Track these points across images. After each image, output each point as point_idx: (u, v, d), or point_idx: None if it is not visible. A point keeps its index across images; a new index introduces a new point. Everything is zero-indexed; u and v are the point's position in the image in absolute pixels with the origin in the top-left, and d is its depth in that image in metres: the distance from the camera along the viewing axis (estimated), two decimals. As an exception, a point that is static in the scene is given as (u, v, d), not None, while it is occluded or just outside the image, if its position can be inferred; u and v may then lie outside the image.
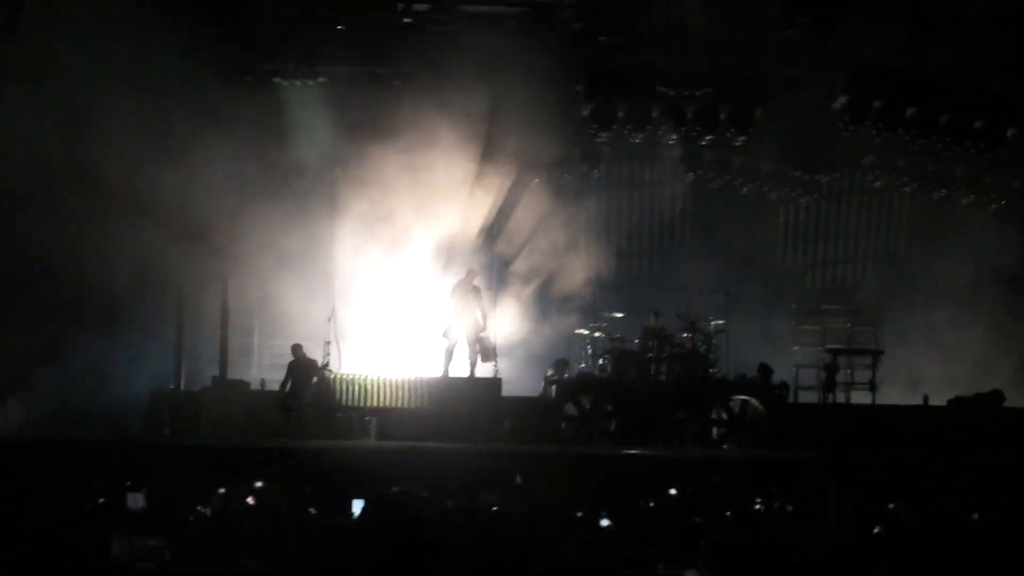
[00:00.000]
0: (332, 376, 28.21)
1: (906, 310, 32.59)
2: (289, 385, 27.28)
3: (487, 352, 29.32)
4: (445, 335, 29.26)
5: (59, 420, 26.64)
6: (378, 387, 28.30)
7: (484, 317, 29.49)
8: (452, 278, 30.26)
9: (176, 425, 27.49)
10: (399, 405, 28.21)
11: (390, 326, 31.31)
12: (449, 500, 17.14)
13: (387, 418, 27.87)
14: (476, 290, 29.70)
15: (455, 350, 29.24)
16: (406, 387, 28.41)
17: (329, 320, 29.66)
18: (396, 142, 30.83)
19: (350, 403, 28.13)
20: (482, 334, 29.33)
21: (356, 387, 28.35)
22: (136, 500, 17.85)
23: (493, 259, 32.40)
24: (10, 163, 26.06)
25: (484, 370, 29.40)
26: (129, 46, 28.25)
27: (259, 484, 18.43)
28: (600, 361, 29.75)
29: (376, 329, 31.37)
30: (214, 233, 29.45)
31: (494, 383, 29.04)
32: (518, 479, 20.72)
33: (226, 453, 22.84)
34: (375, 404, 28.15)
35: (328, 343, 29.48)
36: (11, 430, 26.18)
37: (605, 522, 16.03)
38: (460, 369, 29.26)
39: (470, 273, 29.89)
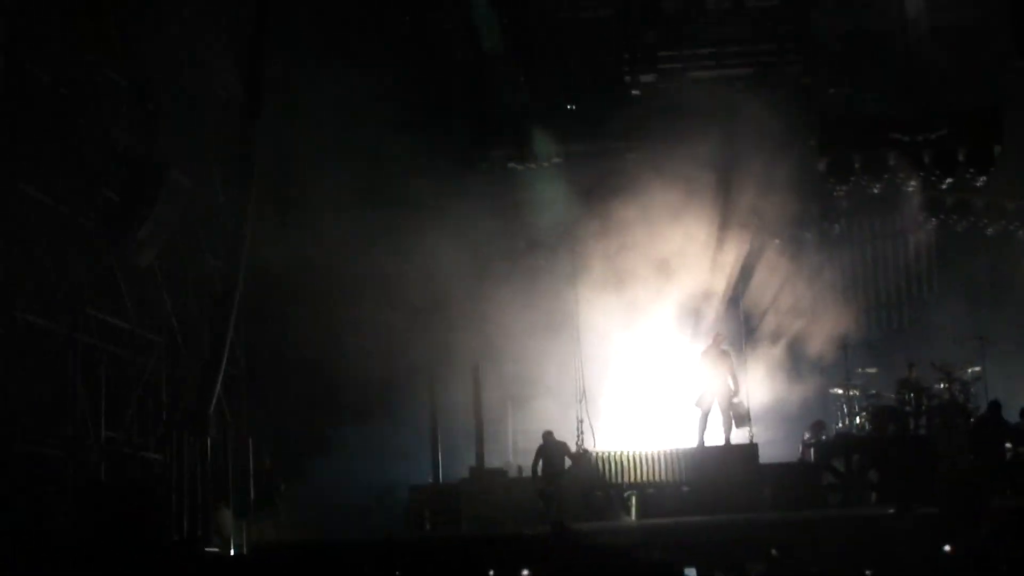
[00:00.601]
0: (592, 454, 28.08)
1: None
2: (543, 469, 27.14)
3: (741, 418, 28.84)
4: (697, 403, 28.86)
5: (322, 520, 26.96)
6: (635, 462, 28.05)
7: (735, 382, 28.96)
8: (700, 344, 29.95)
9: (437, 519, 27.48)
10: (657, 479, 27.91)
11: (642, 398, 31.15)
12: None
13: (647, 494, 27.66)
14: (725, 354, 29.22)
15: (708, 418, 28.84)
16: (662, 460, 28.10)
17: (580, 401, 29.63)
18: (633, 214, 30.83)
19: (609, 480, 27.94)
20: (735, 400, 28.83)
21: (612, 463, 28.15)
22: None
23: (740, 323, 32.02)
24: (265, 262, 26.56)
25: (739, 436, 28.91)
26: (367, 134, 28.77)
27: (526, 572, 18.47)
28: (857, 419, 29.31)
29: (628, 402, 31.24)
30: (461, 320, 29.70)
31: (751, 449, 28.49)
32: (773, 551, 20.39)
33: (491, 544, 22.72)
34: (633, 480, 27.93)
35: (581, 422, 29.45)
36: (274, 533, 26.54)
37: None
38: (715, 437, 28.87)
39: (717, 337, 29.45)
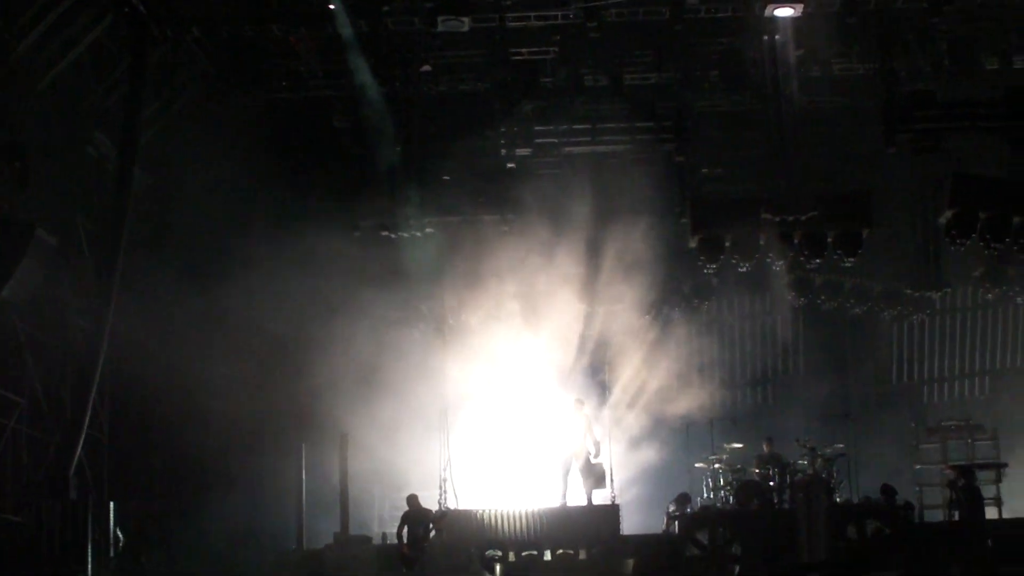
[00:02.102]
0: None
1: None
2: (407, 535, 26.94)
3: (599, 478, 29.08)
4: (557, 464, 29.14)
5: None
6: (498, 520, 28.12)
7: (596, 445, 29.26)
8: (563, 409, 30.01)
9: (298, 585, 27.28)
10: (520, 537, 27.96)
11: (505, 461, 31.33)
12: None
13: (509, 563, 27.61)
14: (586, 417, 29.56)
15: (569, 478, 29.07)
16: (525, 518, 28.17)
17: (445, 470, 29.55)
18: (506, 285, 30.93)
19: (470, 538, 27.89)
20: (595, 461, 29.12)
21: (475, 521, 28.18)
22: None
23: (602, 391, 32.09)
24: (127, 336, 26.27)
25: (601, 497, 29.08)
26: (240, 199, 28.69)
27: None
28: (722, 493, 29.39)
29: (492, 465, 31.38)
30: (329, 388, 29.52)
31: (612, 510, 28.73)
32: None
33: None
34: (497, 536, 27.95)
35: (444, 480, 29.44)
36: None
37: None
38: (577, 498, 29.13)
39: (578, 403, 29.76)
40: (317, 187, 29.95)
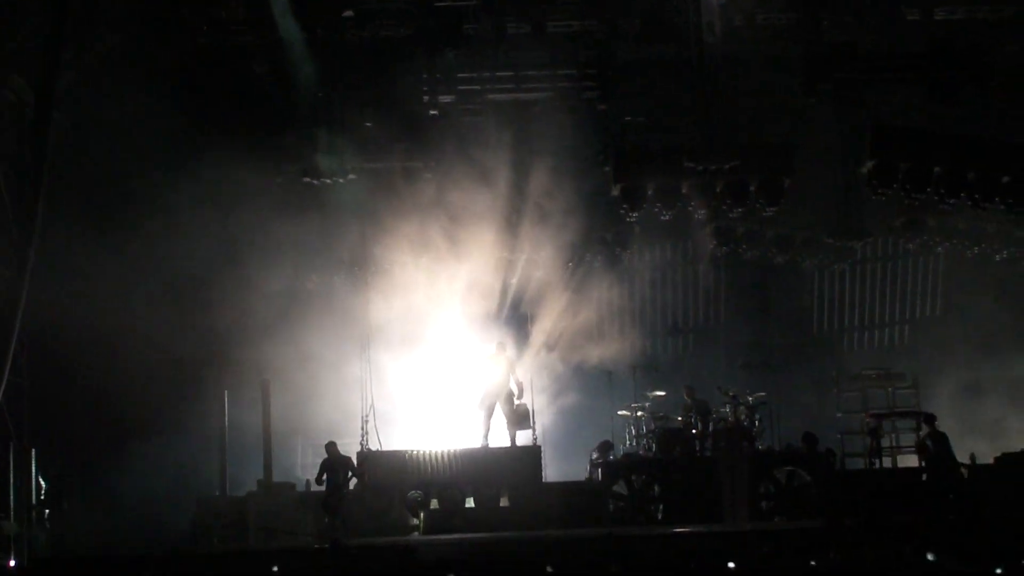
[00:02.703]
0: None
1: (945, 370, 32.34)
2: (326, 482, 27.04)
3: (522, 419, 29.40)
4: (481, 404, 29.48)
5: (108, 533, 26.53)
6: (420, 461, 28.42)
7: (519, 386, 29.55)
8: (485, 350, 30.36)
9: (224, 532, 27.22)
10: (442, 478, 28.30)
11: (428, 401, 31.64)
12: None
13: (431, 511, 27.83)
14: (509, 359, 29.88)
15: (492, 419, 29.39)
16: (446, 459, 28.51)
17: (366, 417, 29.62)
18: (427, 232, 31.00)
19: (393, 480, 28.16)
20: (517, 402, 29.41)
21: (397, 462, 28.45)
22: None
23: (526, 339, 32.27)
24: (48, 283, 26.17)
25: (523, 439, 29.40)
26: (161, 146, 28.56)
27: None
28: (644, 441, 29.66)
29: (414, 406, 31.70)
30: (252, 335, 29.55)
31: (534, 452, 29.05)
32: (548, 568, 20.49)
33: (278, 557, 22.47)
34: (419, 478, 28.27)
35: (366, 421, 29.59)
36: (58, 546, 26.06)
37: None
38: (499, 440, 29.51)
39: (500, 345, 30.10)
40: (238, 133, 29.73)
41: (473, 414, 29.62)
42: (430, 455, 28.52)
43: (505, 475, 28.53)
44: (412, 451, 28.75)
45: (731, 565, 19.96)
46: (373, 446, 29.42)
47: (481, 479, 28.45)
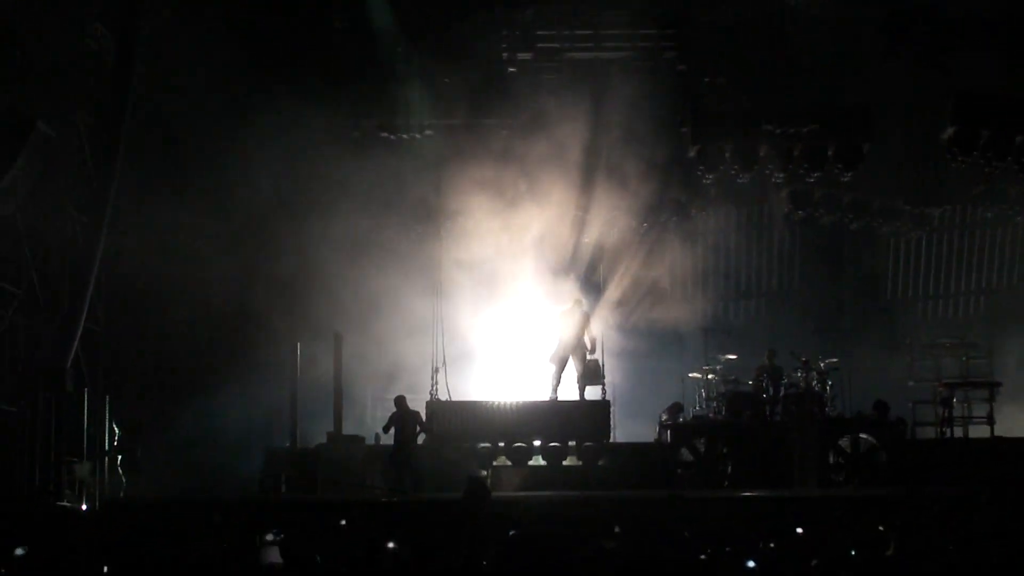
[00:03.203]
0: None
1: (1020, 342, 32.17)
2: (395, 436, 27.29)
3: (594, 375, 29.40)
4: (552, 359, 29.39)
5: (179, 480, 26.83)
6: (490, 413, 28.52)
7: (592, 342, 29.52)
8: (560, 305, 30.29)
9: (293, 483, 27.47)
10: (513, 429, 28.45)
11: (499, 354, 31.87)
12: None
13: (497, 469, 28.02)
14: (583, 315, 29.73)
15: (563, 373, 29.33)
16: (516, 411, 28.61)
17: (437, 368, 29.77)
18: (504, 188, 31.09)
19: (464, 429, 28.40)
20: (589, 357, 29.40)
21: (467, 413, 28.62)
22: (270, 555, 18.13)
23: (598, 297, 32.31)
24: (126, 231, 26.51)
25: (593, 393, 29.41)
26: (241, 101, 28.73)
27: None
28: (714, 404, 29.70)
29: (485, 358, 31.98)
30: (326, 288, 29.75)
31: (603, 406, 29.07)
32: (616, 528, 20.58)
33: (346, 509, 22.68)
34: (490, 431, 28.41)
35: (436, 371, 29.71)
36: (129, 490, 26.39)
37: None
38: (570, 394, 29.43)
39: (577, 302, 29.93)
40: (315, 85, 29.87)
41: (544, 367, 29.56)
42: (499, 406, 28.63)
43: (574, 428, 28.56)
44: (481, 402, 28.92)
45: (799, 531, 20.02)
46: (443, 397, 29.53)
47: (550, 432, 28.50)
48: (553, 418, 28.75)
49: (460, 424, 28.54)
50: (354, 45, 30.40)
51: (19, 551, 18.20)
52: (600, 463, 28.48)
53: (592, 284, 32.51)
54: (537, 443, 28.59)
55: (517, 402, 28.96)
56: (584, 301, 30.22)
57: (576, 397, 29.32)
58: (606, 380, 29.65)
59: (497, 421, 28.52)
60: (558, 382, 29.32)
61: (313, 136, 29.32)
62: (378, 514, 22.72)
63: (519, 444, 28.54)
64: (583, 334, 29.44)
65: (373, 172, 30.39)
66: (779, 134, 30.72)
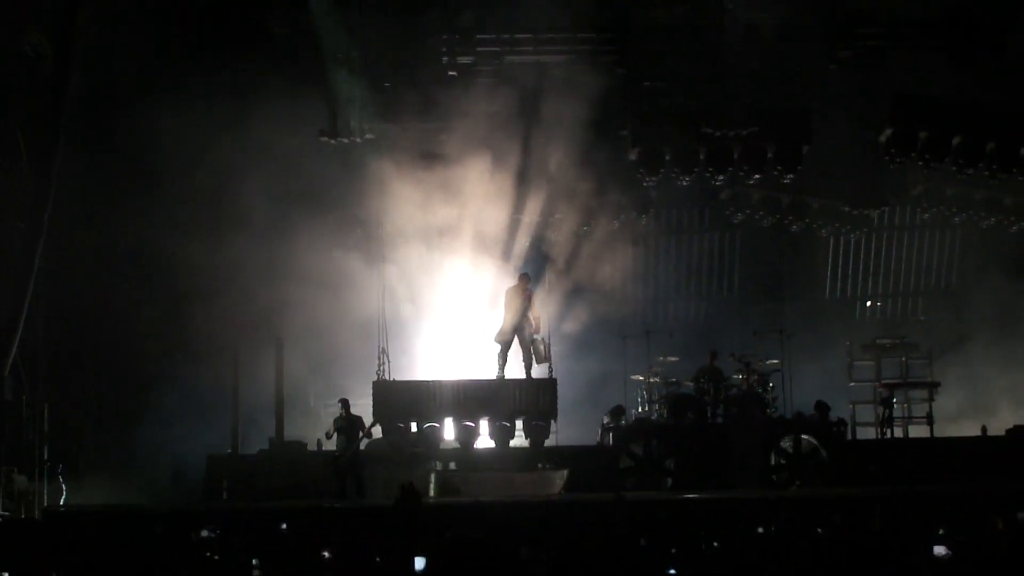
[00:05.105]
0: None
1: (959, 342, 32.43)
2: (337, 441, 27.27)
3: (540, 355, 29.32)
4: (498, 338, 29.33)
5: (121, 490, 26.76)
6: (435, 392, 28.57)
7: (538, 320, 29.46)
8: (506, 283, 30.30)
9: (234, 488, 27.43)
10: (458, 409, 28.52)
11: (445, 333, 31.79)
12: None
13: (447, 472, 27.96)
14: (529, 295, 29.62)
15: (509, 352, 29.29)
16: (463, 390, 28.66)
17: (383, 349, 29.75)
18: (445, 193, 31.09)
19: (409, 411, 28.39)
20: (536, 336, 29.35)
21: (413, 393, 28.65)
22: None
23: (544, 272, 32.46)
24: (64, 239, 26.35)
25: (539, 372, 29.37)
26: (180, 102, 28.61)
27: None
28: (656, 406, 29.82)
29: (431, 338, 31.98)
30: (265, 295, 29.67)
31: (550, 383, 29.05)
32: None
33: (283, 516, 22.64)
34: (436, 410, 28.46)
35: (383, 351, 29.59)
36: (70, 500, 26.28)
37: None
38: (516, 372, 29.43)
39: (523, 278, 29.86)
40: (254, 91, 29.79)
41: (490, 346, 29.48)
42: (445, 385, 28.68)
43: (521, 407, 28.62)
44: (427, 382, 28.98)
45: (745, 531, 20.11)
46: (387, 376, 29.39)
47: (497, 410, 28.52)
48: (500, 397, 28.74)
49: (406, 404, 28.54)
50: (295, 51, 30.33)
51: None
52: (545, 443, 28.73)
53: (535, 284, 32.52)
54: (484, 421, 28.62)
55: (463, 381, 28.98)
56: (530, 277, 30.17)
57: (523, 375, 29.25)
58: (551, 360, 29.67)
59: (443, 400, 28.52)
60: (504, 361, 29.22)
61: (257, 140, 29.23)
62: (316, 521, 22.68)
63: (468, 423, 28.59)
64: (528, 312, 29.37)
65: (315, 175, 30.39)
66: (718, 137, 30.82)
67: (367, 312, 30.79)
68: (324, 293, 30.13)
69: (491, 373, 29.36)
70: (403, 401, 28.59)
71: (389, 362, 29.74)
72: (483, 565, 10.65)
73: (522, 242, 32.39)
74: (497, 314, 29.78)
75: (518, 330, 29.27)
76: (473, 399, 28.72)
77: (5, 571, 16.62)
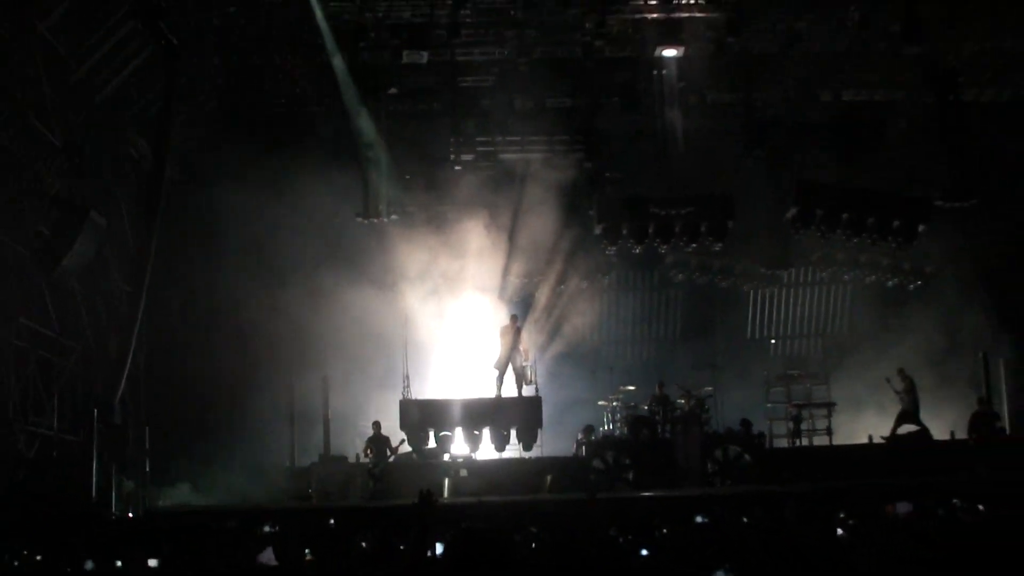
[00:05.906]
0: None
1: (849, 371, 32.49)
2: (370, 454, 27.74)
3: (527, 378, 29.66)
4: (495, 365, 29.63)
5: (204, 493, 26.78)
6: (447, 407, 28.94)
7: (526, 351, 29.81)
8: (501, 323, 30.46)
9: (291, 493, 27.47)
10: (467, 421, 28.82)
11: (456, 364, 31.98)
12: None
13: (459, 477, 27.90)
14: (519, 331, 29.93)
15: (504, 377, 29.58)
16: (469, 405, 29.10)
17: (406, 377, 30.19)
18: (451, 260, 31.29)
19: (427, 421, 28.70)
20: (524, 363, 29.63)
21: (430, 407, 28.98)
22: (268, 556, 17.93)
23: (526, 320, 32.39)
24: (158, 293, 26.42)
25: (527, 392, 29.69)
26: (245, 190, 28.66)
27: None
28: (619, 425, 29.87)
29: (444, 368, 32.09)
30: (316, 343, 29.81)
31: (536, 400, 29.38)
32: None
33: (329, 514, 22.54)
34: (448, 421, 28.77)
35: (407, 376, 30.19)
36: (164, 500, 26.26)
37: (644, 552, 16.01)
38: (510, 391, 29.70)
39: (513, 318, 30.23)
40: (305, 179, 29.77)
41: (490, 372, 29.88)
42: (455, 402, 29.05)
43: (513, 418, 28.97)
44: (441, 400, 29.43)
45: (687, 520, 20.11)
46: (411, 397, 29.81)
47: (495, 421, 28.85)
48: (497, 410, 29.08)
49: (425, 417, 28.78)
50: (337, 150, 30.52)
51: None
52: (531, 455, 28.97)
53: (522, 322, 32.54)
54: (486, 430, 28.84)
55: (469, 398, 29.35)
56: (519, 318, 30.47)
57: (515, 394, 29.55)
58: (536, 383, 29.95)
59: (453, 413, 28.80)
60: (501, 383, 29.51)
61: (307, 218, 29.43)
62: (355, 517, 22.62)
63: (474, 431, 28.80)
64: (518, 345, 29.67)
65: (352, 244, 30.59)
66: (663, 215, 30.98)
67: (393, 347, 30.94)
68: (358, 329, 30.13)
69: (491, 392, 29.61)
70: (422, 414, 28.77)
71: (410, 385, 29.96)
72: (488, 549, 10.72)
73: (512, 291, 32.55)
74: (495, 345, 29.99)
75: (511, 358, 29.52)
76: (477, 412, 28.95)
77: (118, 559, 16.52)
